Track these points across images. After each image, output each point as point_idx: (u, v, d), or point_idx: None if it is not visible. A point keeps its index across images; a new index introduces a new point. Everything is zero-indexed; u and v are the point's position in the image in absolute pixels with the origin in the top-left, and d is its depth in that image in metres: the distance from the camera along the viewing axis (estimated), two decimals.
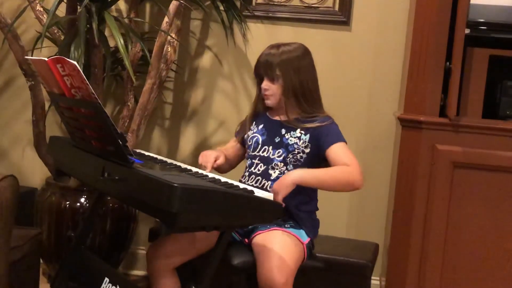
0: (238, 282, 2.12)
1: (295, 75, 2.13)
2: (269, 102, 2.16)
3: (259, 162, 2.16)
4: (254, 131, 2.22)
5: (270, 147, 2.16)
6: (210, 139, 3.10)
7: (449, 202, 2.31)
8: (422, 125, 2.33)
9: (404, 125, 2.47)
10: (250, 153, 2.20)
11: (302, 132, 2.13)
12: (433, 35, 2.32)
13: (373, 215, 2.95)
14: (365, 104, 2.94)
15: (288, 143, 2.13)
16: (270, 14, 2.99)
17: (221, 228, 1.72)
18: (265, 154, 2.16)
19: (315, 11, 2.95)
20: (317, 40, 2.94)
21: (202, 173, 1.90)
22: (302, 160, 2.13)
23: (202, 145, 3.11)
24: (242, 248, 2.05)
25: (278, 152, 2.14)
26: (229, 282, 2.15)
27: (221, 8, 2.91)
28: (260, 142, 2.18)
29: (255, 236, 2.05)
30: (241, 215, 1.69)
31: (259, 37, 3.00)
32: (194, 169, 1.95)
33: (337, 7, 2.92)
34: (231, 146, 2.31)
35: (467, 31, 2.28)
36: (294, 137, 2.13)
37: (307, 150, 2.12)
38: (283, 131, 2.16)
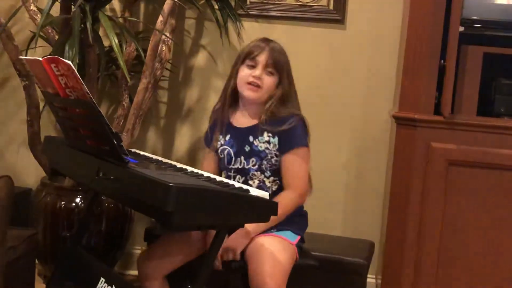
0: (234, 282, 2.12)
1: (289, 75, 2.12)
2: (254, 94, 2.08)
3: (235, 174, 2.12)
4: (222, 142, 2.15)
5: (243, 157, 2.11)
6: None
7: (444, 199, 2.32)
8: (417, 123, 2.33)
9: (399, 123, 2.47)
10: (224, 166, 2.15)
11: (270, 135, 2.08)
12: (428, 33, 2.33)
13: (369, 213, 2.95)
14: (360, 103, 2.94)
15: (259, 149, 2.08)
16: (265, 13, 2.99)
17: (217, 227, 1.71)
18: (239, 165, 2.12)
19: (309, 10, 2.95)
20: (312, 39, 2.94)
21: (197, 172, 1.89)
22: (277, 164, 2.09)
23: (197, 144, 3.10)
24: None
25: (252, 161, 2.09)
26: (225, 282, 2.15)
27: (216, 7, 2.91)
28: (232, 155, 2.13)
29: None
30: (237, 214, 1.68)
31: (254, 36, 2.96)
32: (190, 168, 1.95)
33: (332, 6, 2.92)
34: (211, 161, 2.20)
35: (461, 29, 2.28)
36: (263, 142, 2.08)
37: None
38: (251, 138, 2.10)
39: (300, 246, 2.11)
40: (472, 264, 2.33)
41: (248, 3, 2.99)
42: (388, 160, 2.87)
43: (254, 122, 2.12)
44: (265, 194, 1.77)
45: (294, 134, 2.06)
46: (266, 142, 2.08)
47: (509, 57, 2.34)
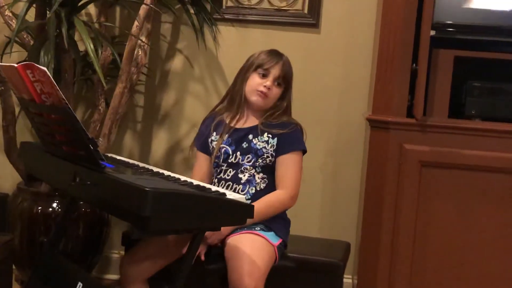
0: (211, 285, 2.14)
1: (292, 86, 2.28)
2: (262, 101, 2.20)
3: (227, 168, 2.19)
4: (221, 141, 2.22)
5: (239, 153, 2.19)
6: (182, 142, 3.11)
7: (417, 200, 2.35)
8: (390, 125, 2.37)
9: (372, 125, 2.51)
10: (219, 162, 2.22)
11: (270, 136, 2.17)
12: (399, 37, 2.37)
13: (345, 215, 2.99)
14: (335, 106, 2.97)
15: (257, 147, 2.17)
16: (240, 17, 3.01)
17: (194, 231, 1.73)
18: (233, 160, 2.19)
19: (284, 14, 2.98)
20: (287, 43, 2.97)
21: (174, 176, 1.91)
22: (271, 164, 2.17)
23: (174, 148, 3.12)
24: (216, 251, 2.07)
25: (247, 158, 2.17)
26: (202, 284, 2.16)
27: (192, 11, 2.92)
28: (230, 152, 2.20)
29: (226, 239, 2.06)
30: (214, 217, 1.70)
31: (230, 40, 3.02)
32: (166, 173, 1.97)
33: (307, 10, 2.96)
34: (203, 164, 2.29)
35: (432, 32, 2.32)
36: (262, 142, 2.17)
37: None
38: (250, 136, 2.19)
39: (281, 249, 2.14)
40: (445, 263, 2.37)
41: (224, 7, 3.01)
42: (363, 162, 2.91)
43: (255, 123, 2.22)
44: (241, 198, 1.80)
45: (294, 138, 2.19)
46: (265, 141, 2.17)
47: (479, 60, 2.39)
